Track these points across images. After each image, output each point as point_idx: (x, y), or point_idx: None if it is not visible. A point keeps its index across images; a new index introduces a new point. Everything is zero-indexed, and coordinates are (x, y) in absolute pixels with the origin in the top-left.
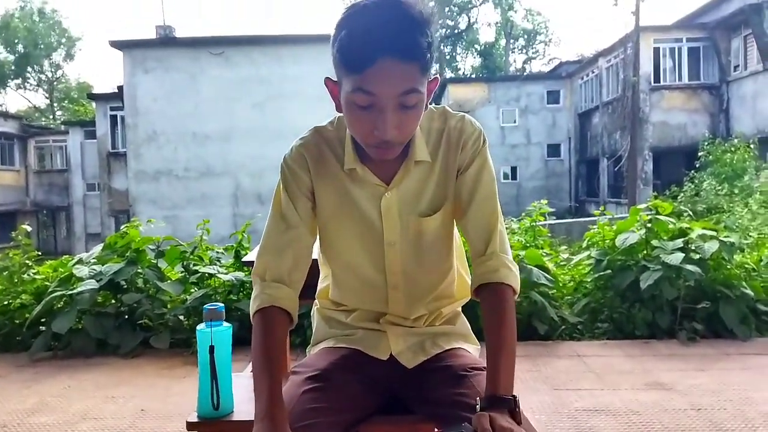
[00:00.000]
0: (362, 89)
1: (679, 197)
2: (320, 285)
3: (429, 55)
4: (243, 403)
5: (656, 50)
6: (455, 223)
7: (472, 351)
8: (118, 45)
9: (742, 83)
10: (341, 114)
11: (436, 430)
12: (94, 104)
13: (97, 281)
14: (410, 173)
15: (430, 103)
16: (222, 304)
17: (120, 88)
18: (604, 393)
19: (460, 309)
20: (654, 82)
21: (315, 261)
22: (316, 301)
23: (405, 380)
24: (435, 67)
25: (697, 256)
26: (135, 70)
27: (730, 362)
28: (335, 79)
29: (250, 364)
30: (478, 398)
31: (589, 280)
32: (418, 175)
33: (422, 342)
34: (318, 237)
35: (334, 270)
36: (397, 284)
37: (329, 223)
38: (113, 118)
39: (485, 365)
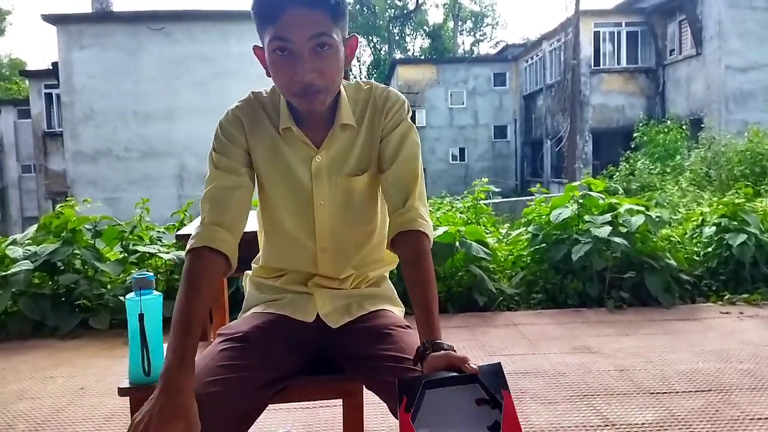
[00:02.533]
0: (278, 37)
1: (614, 176)
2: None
3: (337, 4)
4: None
5: (596, 34)
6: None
7: (397, 312)
8: (51, 19)
9: (676, 67)
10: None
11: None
12: (27, 82)
13: (32, 262)
14: (337, 137)
15: (352, 72)
16: (151, 273)
17: (54, 64)
18: (536, 357)
19: (387, 274)
20: (594, 66)
21: (255, 233)
22: (249, 271)
23: (331, 341)
24: (384, 54)
25: (625, 230)
26: (70, 46)
27: (653, 328)
28: (261, 45)
29: None
30: (423, 343)
31: (525, 253)
32: (345, 138)
33: (348, 304)
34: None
35: (266, 231)
36: (326, 245)
37: (263, 183)
38: (48, 96)
39: (408, 324)
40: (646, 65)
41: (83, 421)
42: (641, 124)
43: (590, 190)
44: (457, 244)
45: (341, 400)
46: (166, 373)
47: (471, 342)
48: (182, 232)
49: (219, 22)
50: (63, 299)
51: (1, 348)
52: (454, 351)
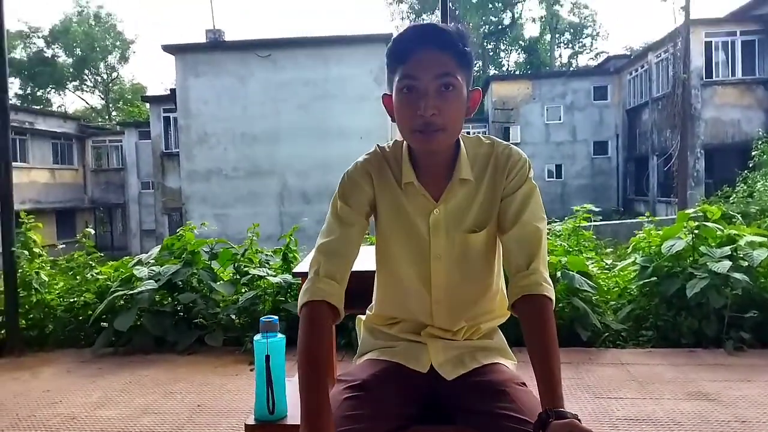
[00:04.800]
0: (406, 75)
1: (731, 198)
2: (373, 298)
3: (463, 51)
4: (295, 407)
5: (708, 44)
6: (498, 241)
7: (510, 366)
8: (170, 50)
9: None
10: (397, 139)
11: None
12: (148, 106)
13: (156, 281)
14: (456, 191)
15: (476, 124)
16: (276, 317)
17: (172, 90)
18: (647, 402)
19: (497, 325)
20: (706, 77)
21: (372, 272)
22: (364, 315)
23: (445, 392)
24: (477, 71)
25: (746, 264)
26: (186, 73)
27: None
28: (390, 92)
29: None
30: (546, 410)
31: (633, 286)
32: (463, 193)
33: (461, 355)
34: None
35: (382, 280)
36: (440, 297)
37: (384, 233)
38: (166, 119)
39: (523, 381)
40: (764, 76)
41: None
42: (760, 141)
43: (706, 218)
44: (558, 274)
45: None
46: (309, 416)
47: (575, 381)
48: (298, 270)
49: (320, 48)
50: (182, 316)
51: (128, 361)
52: (578, 420)
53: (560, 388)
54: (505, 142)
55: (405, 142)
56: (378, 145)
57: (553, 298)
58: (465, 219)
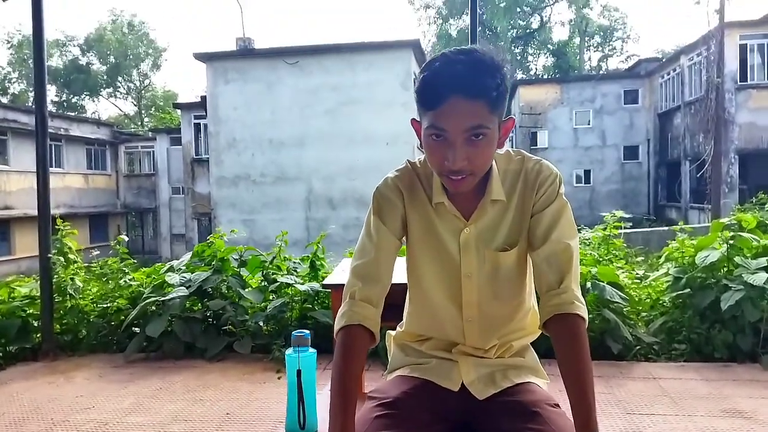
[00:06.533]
0: (434, 125)
1: (766, 206)
2: (404, 312)
3: (497, 94)
4: (325, 421)
5: (743, 47)
6: (529, 258)
7: (542, 385)
8: (201, 57)
9: None
10: None
11: None
12: (179, 112)
13: (187, 288)
14: (487, 211)
15: (509, 145)
16: (308, 332)
17: (203, 97)
18: (680, 419)
19: (529, 343)
20: (740, 81)
21: (405, 285)
22: (395, 331)
23: (476, 411)
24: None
25: None
26: (217, 81)
27: None
28: (419, 119)
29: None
30: None
31: (666, 298)
32: (494, 212)
33: (493, 374)
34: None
35: (413, 296)
36: (472, 315)
37: (415, 251)
38: (197, 126)
39: (556, 402)
40: None
41: None
42: None
43: (741, 227)
44: (588, 285)
45: None
46: None
47: (606, 396)
48: (328, 282)
49: (347, 54)
50: (211, 323)
51: (158, 366)
52: None
53: (594, 411)
54: (536, 158)
55: None
56: (409, 160)
57: (586, 317)
58: (495, 237)
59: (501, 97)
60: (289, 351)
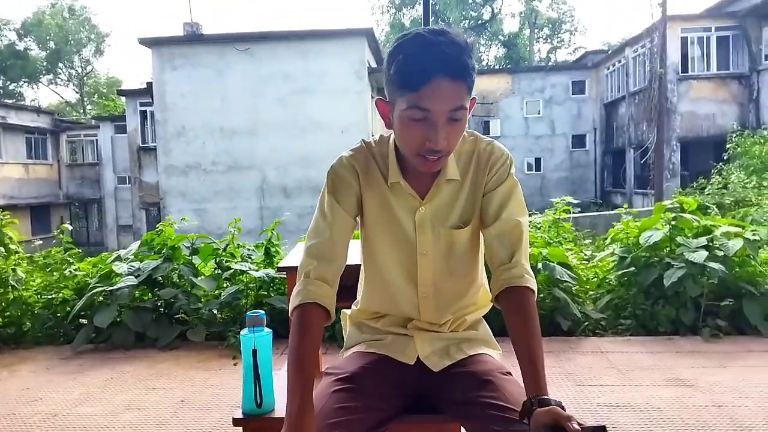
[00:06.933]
0: (418, 106)
1: (706, 190)
2: (358, 292)
3: (474, 75)
4: (283, 400)
5: (684, 39)
6: (481, 235)
7: (495, 356)
8: (146, 42)
9: None
10: (383, 134)
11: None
12: (123, 100)
13: (135, 277)
14: (442, 190)
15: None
16: (263, 312)
17: (149, 84)
18: (626, 389)
19: (482, 317)
20: (682, 72)
21: (358, 266)
22: (350, 309)
23: (431, 383)
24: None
25: (721, 254)
26: (163, 67)
27: (753, 359)
28: (387, 99)
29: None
30: (531, 398)
31: (612, 276)
32: (449, 191)
33: (447, 347)
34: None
35: (368, 275)
36: (427, 292)
37: (370, 231)
38: (143, 113)
39: (508, 370)
40: (738, 71)
41: None
42: (735, 134)
43: (682, 209)
44: (539, 266)
45: None
46: (291, 416)
47: (556, 370)
48: (283, 264)
49: (300, 42)
50: (163, 312)
51: (108, 357)
52: (562, 407)
53: (544, 376)
54: (488, 138)
55: (391, 139)
56: (363, 140)
57: (535, 289)
58: (450, 216)
59: (474, 78)
60: (244, 331)
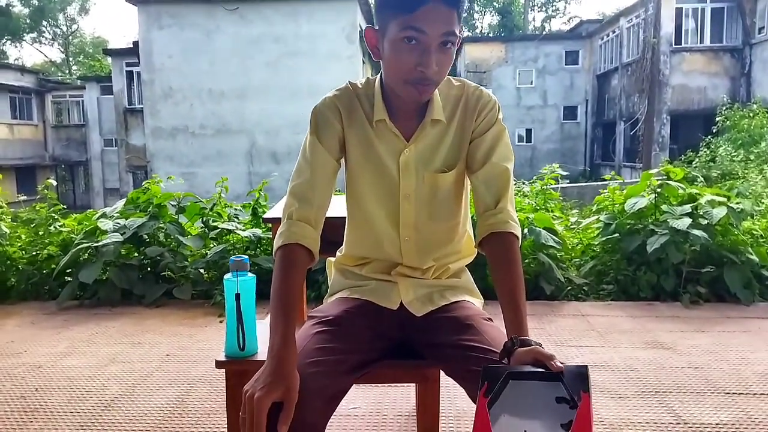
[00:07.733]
0: (413, 27)
1: (694, 162)
2: (344, 240)
3: (464, 5)
4: (266, 345)
5: (678, 11)
6: (467, 180)
7: (477, 304)
8: (133, 1)
9: (766, 46)
10: (369, 76)
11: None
12: (109, 60)
13: (121, 234)
14: (427, 131)
15: (450, 73)
16: (246, 257)
17: (135, 43)
18: (605, 350)
19: (465, 266)
20: (675, 44)
21: (342, 219)
22: (334, 257)
23: (414, 328)
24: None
25: (705, 222)
26: (150, 26)
27: (730, 325)
28: (376, 27)
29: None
30: (511, 338)
31: (596, 243)
32: (434, 133)
33: (431, 293)
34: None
35: (352, 220)
36: (409, 235)
37: (354, 173)
38: (129, 74)
39: (489, 316)
40: (731, 44)
41: (170, 385)
42: (724, 108)
43: (669, 178)
44: (526, 231)
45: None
46: (273, 348)
47: (538, 331)
48: (269, 215)
49: (290, 3)
50: (149, 270)
51: (94, 313)
52: (542, 348)
53: (525, 319)
54: (476, 84)
55: (378, 80)
56: (350, 81)
57: (520, 235)
58: (434, 159)
59: (464, 8)
60: (227, 276)
